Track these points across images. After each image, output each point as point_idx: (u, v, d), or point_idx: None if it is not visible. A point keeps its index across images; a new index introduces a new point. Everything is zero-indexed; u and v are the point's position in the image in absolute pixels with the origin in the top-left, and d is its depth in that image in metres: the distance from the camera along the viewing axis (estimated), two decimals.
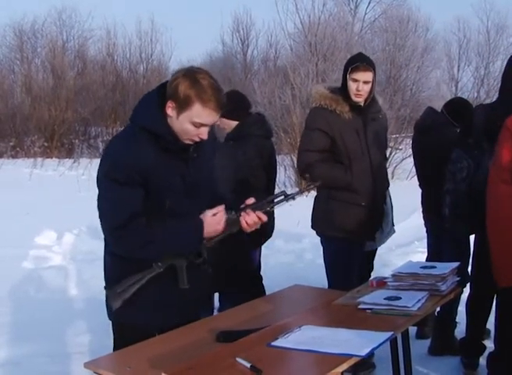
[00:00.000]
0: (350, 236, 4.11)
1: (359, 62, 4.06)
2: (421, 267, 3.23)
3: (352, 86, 4.04)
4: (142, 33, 27.02)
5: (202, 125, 2.54)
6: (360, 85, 4.02)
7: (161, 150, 2.57)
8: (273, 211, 4.54)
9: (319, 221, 4.24)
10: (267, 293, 4.34)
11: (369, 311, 2.83)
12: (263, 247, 4.69)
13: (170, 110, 2.53)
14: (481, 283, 4.05)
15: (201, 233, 2.62)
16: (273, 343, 2.39)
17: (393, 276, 3.20)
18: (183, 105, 2.50)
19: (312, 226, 4.30)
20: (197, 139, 2.59)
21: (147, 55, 26.66)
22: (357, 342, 2.35)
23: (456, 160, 3.90)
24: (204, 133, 2.57)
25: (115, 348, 2.73)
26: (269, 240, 4.65)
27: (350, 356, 2.24)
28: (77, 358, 4.28)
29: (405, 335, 3.13)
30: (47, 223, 8.27)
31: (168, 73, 28.89)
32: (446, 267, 3.19)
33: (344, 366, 2.22)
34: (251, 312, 2.96)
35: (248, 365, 2.13)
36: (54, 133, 21.47)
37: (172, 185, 2.61)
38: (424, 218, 4.82)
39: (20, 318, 5.23)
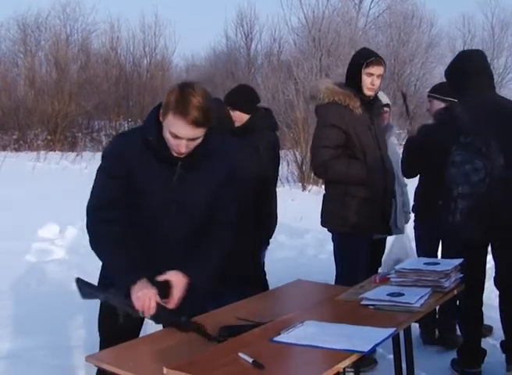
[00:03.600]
0: (365, 231, 4.19)
1: (373, 56, 4.13)
2: (425, 263, 3.23)
3: (367, 80, 4.10)
4: (146, 27, 26.99)
5: (177, 136, 2.57)
6: (375, 79, 4.11)
7: (151, 154, 2.67)
8: (276, 207, 4.57)
9: (332, 218, 4.22)
10: (270, 288, 4.34)
11: (372, 307, 2.83)
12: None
13: (161, 116, 2.62)
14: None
15: (125, 290, 2.62)
16: (275, 338, 2.38)
17: (396, 272, 3.19)
18: (164, 112, 2.59)
19: (323, 224, 4.29)
20: (176, 150, 2.62)
21: (150, 48, 26.61)
22: (359, 338, 2.34)
23: (462, 163, 3.75)
24: (179, 145, 2.60)
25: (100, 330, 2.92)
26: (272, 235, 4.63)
27: (353, 352, 2.23)
28: (79, 352, 4.28)
29: (407, 331, 3.12)
30: (49, 217, 8.27)
31: (172, 66, 28.95)
32: (450, 264, 3.18)
33: (347, 362, 2.21)
34: (254, 307, 2.95)
35: (250, 360, 2.12)
36: (57, 127, 21.45)
37: (152, 190, 2.71)
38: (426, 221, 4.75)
39: (22, 311, 5.24)
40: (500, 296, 4.12)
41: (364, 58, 4.14)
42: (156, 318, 2.64)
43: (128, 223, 2.72)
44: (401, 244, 4.89)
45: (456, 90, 4.11)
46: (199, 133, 2.59)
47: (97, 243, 2.72)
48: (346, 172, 4.11)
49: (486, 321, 4.32)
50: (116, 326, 2.69)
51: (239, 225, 2.86)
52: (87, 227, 2.76)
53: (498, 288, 4.15)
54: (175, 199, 2.72)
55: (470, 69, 3.99)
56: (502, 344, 4.12)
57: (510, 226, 3.75)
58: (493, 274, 4.13)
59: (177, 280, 2.68)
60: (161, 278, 2.66)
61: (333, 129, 4.11)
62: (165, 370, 2.11)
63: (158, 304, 2.61)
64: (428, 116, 5.10)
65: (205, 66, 31.91)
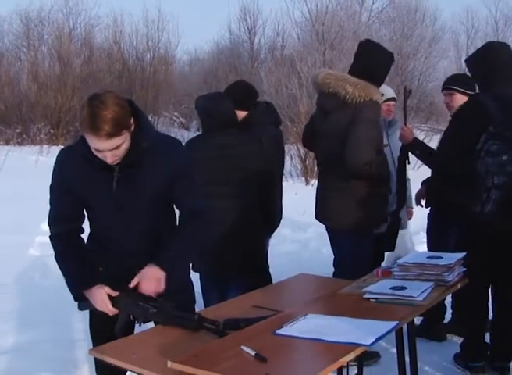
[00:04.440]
0: (378, 227, 4.39)
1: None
2: (427, 257, 3.22)
3: None
4: (149, 21, 26.92)
5: (98, 150, 2.59)
6: None
7: (89, 167, 2.72)
8: (281, 201, 4.57)
9: (353, 218, 4.22)
10: (273, 281, 4.35)
11: (374, 300, 2.83)
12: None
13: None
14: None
15: (76, 292, 2.78)
16: (278, 331, 2.39)
17: (399, 265, 3.19)
18: (81, 130, 2.63)
19: (340, 225, 4.31)
20: (109, 161, 2.63)
21: (153, 43, 26.55)
22: (362, 331, 2.35)
23: (499, 153, 3.68)
24: (105, 157, 2.61)
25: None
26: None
27: (355, 345, 2.23)
28: (82, 345, 4.30)
29: (411, 325, 3.12)
30: None
31: (175, 61, 28.90)
32: (453, 258, 3.17)
33: (351, 356, 2.21)
34: (257, 301, 2.95)
35: (253, 353, 2.13)
36: (60, 121, 21.44)
37: (96, 198, 2.77)
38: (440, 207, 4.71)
39: (25, 304, 5.26)
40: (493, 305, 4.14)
41: (392, 59, 4.39)
42: (163, 318, 2.65)
43: (81, 232, 2.90)
44: (402, 241, 4.89)
45: (482, 81, 4.09)
46: (118, 141, 2.57)
47: (55, 256, 2.89)
48: (383, 169, 4.23)
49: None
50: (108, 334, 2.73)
51: (245, 217, 2.88)
52: (50, 242, 2.91)
53: (495, 297, 4.16)
54: (119, 203, 2.75)
55: (498, 61, 3.98)
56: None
57: None
58: None
59: (145, 271, 2.70)
60: (133, 283, 2.70)
61: (378, 127, 4.22)
62: (169, 364, 2.11)
63: (165, 304, 2.63)
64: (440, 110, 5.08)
65: (208, 60, 31.85)
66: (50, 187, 2.87)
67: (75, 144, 2.86)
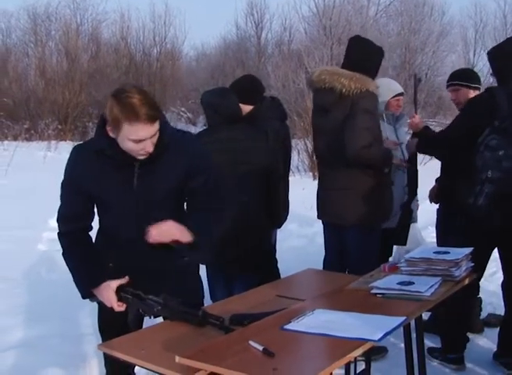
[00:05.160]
0: (386, 221, 4.45)
1: None
2: (434, 252, 3.21)
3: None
4: (156, 17, 27.00)
5: (140, 140, 2.58)
6: None
7: (106, 164, 2.70)
8: (287, 196, 4.57)
9: (358, 213, 4.24)
10: (281, 276, 4.35)
11: (381, 296, 2.83)
12: (277, 231, 4.69)
13: (111, 133, 2.63)
14: None
15: (84, 290, 2.81)
16: (286, 326, 2.39)
17: (406, 261, 3.18)
18: (115, 127, 2.58)
19: (346, 221, 4.31)
20: (144, 153, 2.63)
21: (160, 38, 26.62)
22: (370, 327, 2.34)
23: (497, 148, 3.72)
24: (146, 146, 2.61)
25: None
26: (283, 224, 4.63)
27: (363, 340, 2.23)
28: (90, 340, 4.32)
29: (419, 321, 3.12)
30: None
31: (182, 56, 28.93)
32: (460, 253, 3.16)
33: (359, 351, 2.21)
34: (264, 296, 2.96)
35: (261, 348, 2.13)
36: (68, 116, 21.52)
37: (113, 194, 2.76)
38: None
39: (33, 299, 5.28)
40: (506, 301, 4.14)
41: (382, 51, 4.41)
42: (169, 314, 2.66)
43: (90, 230, 2.91)
44: (412, 235, 4.88)
45: (499, 74, 4.07)
46: (156, 127, 2.59)
47: (62, 254, 2.90)
48: (383, 152, 4.25)
49: (499, 311, 4.32)
50: (115, 324, 2.79)
51: (249, 211, 2.88)
52: (58, 239, 2.92)
53: (504, 292, 4.15)
54: (138, 198, 2.75)
55: None
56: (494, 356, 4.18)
57: None
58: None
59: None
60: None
61: (375, 119, 4.25)
62: (177, 359, 2.12)
63: (169, 301, 2.63)
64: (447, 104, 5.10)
65: (215, 55, 31.86)
66: (61, 183, 2.87)
67: (88, 142, 2.88)
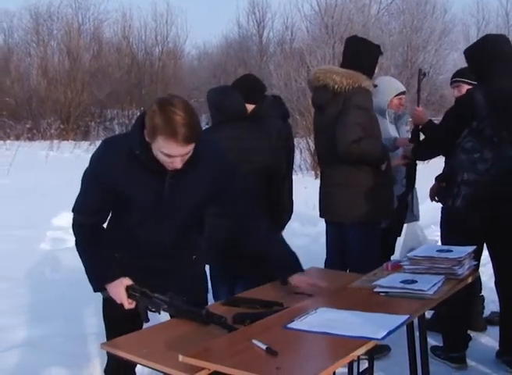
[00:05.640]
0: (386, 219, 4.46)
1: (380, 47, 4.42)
2: (437, 251, 3.21)
3: (376, 69, 4.40)
4: (157, 16, 27.02)
5: (170, 156, 2.56)
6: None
7: (139, 166, 2.65)
8: (291, 196, 4.57)
9: (359, 211, 4.24)
10: None
11: (384, 294, 2.82)
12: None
13: (147, 137, 2.59)
14: None
15: (96, 285, 2.81)
16: (289, 325, 2.39)
17: (409, 259, 3.18)
18: (151, 135, 2.55)
19: (346, 219, 4.31)
20: (170, 167, 2.61)
21: (162, 37, 26.64)
22: (373, 325, 2.34)
23: (472, 150, 3.75)
24: (175, 163, 2.59)
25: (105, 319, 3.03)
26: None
27: (366, 339, 2.23)
28: (94, 339, 4.31)
29: (422, 319, 3.12)
30: (63, 205, 8.23)
31: (184, 55, 28.93)
32: (463, 251, 3.16)
33: (362, 350, 2.21)
34: (268, 294, 2.96)
35: (264, 347, 2.13)
36: (70, 116, 21.56)
37: (143, 200, 2.72)
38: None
39: (37, 299, 5.28)
40: (501, 299, 4.15)
41: (378, 49, 4.39)
42: (175, 312, 2.67)
43: (103, 223, 2.87)
44: (413, 233, 4.88)
45: (477, 73, 4.07)
46: (191, 148, 2.57)
47: (76, 244, 2.85)
48: (375, 148, 4.20)
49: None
50: (120, 318, 2.80)
51: (250, 212, 2.88)
52: (73, 230, 2.86)
53: (498, 290, 4.16)
54: (167, 206, 2.74)
55: (494, 53, 3.93)
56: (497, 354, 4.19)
57: (509, 216, 3.77)
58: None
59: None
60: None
61: (368, 115, 4.22)
62: (180, 358, 2.12)
63: (175, 300, 2.65)
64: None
65: (217, 54, 31.89)
66: (84, 173, 2.78)
67: (121, 138, 2.85)
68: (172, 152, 2.53)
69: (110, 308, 2.91)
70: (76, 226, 2.84)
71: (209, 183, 2.78)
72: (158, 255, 2.82)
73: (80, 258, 2.84)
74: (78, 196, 2.83)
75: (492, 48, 3.97)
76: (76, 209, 2.83)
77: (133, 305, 2.72)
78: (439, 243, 4.30)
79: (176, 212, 2.77)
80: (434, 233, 6.37)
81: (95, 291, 2.85)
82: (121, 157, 2.67)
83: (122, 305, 2.73)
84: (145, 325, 2.77)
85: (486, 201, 3.74)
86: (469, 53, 4.11)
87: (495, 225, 3.85)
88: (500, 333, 4.17)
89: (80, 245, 2.84)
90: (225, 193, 2.87)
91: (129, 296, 2.72)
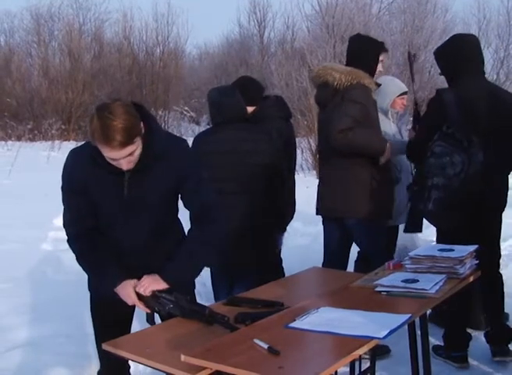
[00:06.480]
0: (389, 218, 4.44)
1: (383, 44, 4.45)
2: (439, 250, 3.21)
3: (379, 66, 4.38)
4: (158, 16, 26.98)
5: (113, 159, 2.60)
6: (380, 65, 4.42)
7: (100, 169, 2.71)
8: (293, 195, 4.57)
9: (358, 206, 4.23)
10: (285, 275, 4.35)
11: (385, 293, 2.82)
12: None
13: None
14: None
15: (106, 292, 2.78)
16: (291, 324, 2.39)
17: (411, 258, 3.18)
18: (92, 141, 2.60)
19: (347, 214, 4.29)
20: (122, 168, 2.65)
21: (163, 37, 26.59)
22: (375, 324, 2.34)
23: (441, 155, 3.75)
24: (120, 164, 2.63)
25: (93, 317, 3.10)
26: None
27: (368, 338, 2.23)
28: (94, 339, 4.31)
29: (423, 319, 3.12)
30: None
31: (185, 55, 28.92)
32: (464, 250, 3.16)
33: (364, 349, 2.21)
34: (269, 294, 2.96)
35: (266, 346, 2.13)
36: (71, 116, 21.55)
37: (105, 199, 2.78)
38: None
39: (38, 299, 5.28)
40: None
41: (379, 46, 4.38)
42: (180, 312, 2.67)
43: (96, 229, 2.86)
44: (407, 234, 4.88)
45: (447, 75, 4.06)
46: (131, 148, 2.58)
47: (77, 259, 2.87)
48: (369, 138, 4.16)
49: (506, 308, 4.30)
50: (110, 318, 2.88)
51: (251, 213, 2.89)
52: (69, 246, 2.91)
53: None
54: (129, 206, 2.76)
55: (463, 53, 3.93)
56: (486, 334, 4.18)
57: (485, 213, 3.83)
58: (509, 262, 4.11)
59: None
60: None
61: (362, 109, 4.19)
62: (182, 357, 2.12)
63: (180, 300, 2.65)
64: None
65: (218, 54, 31.87)
66: (61, 188, 2.87)
67: (83, 146, 2.87)
68: (112, 156, 2.58)
69: (101, 312, 2.98)
70: (71, 241, 2.88)
71: (170, 179, 2.78)
72: (134, 256, 2.83)
73: (84, 270, 2.87)
74: (63, 212, 2.89)
75: (461, 49, 3.96)
76: (65, 224, 2.89)
77: (142, 306, 2.72)
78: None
79: (140, 211, 2.78)
80: (432, 233, 6.37)
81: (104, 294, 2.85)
82: (84, 162, 2.75)
83: (119, 308, 2.75)
84: (145, 325, 2.77)
85: (455, 204, 3.74)
86: (438, 54, 4.11)
87: (474, 222, 3.88)
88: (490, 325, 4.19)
89: (79, 259, 2.86)
90: (190, 189, 2.82)
91: (139, 297, 2.72)
